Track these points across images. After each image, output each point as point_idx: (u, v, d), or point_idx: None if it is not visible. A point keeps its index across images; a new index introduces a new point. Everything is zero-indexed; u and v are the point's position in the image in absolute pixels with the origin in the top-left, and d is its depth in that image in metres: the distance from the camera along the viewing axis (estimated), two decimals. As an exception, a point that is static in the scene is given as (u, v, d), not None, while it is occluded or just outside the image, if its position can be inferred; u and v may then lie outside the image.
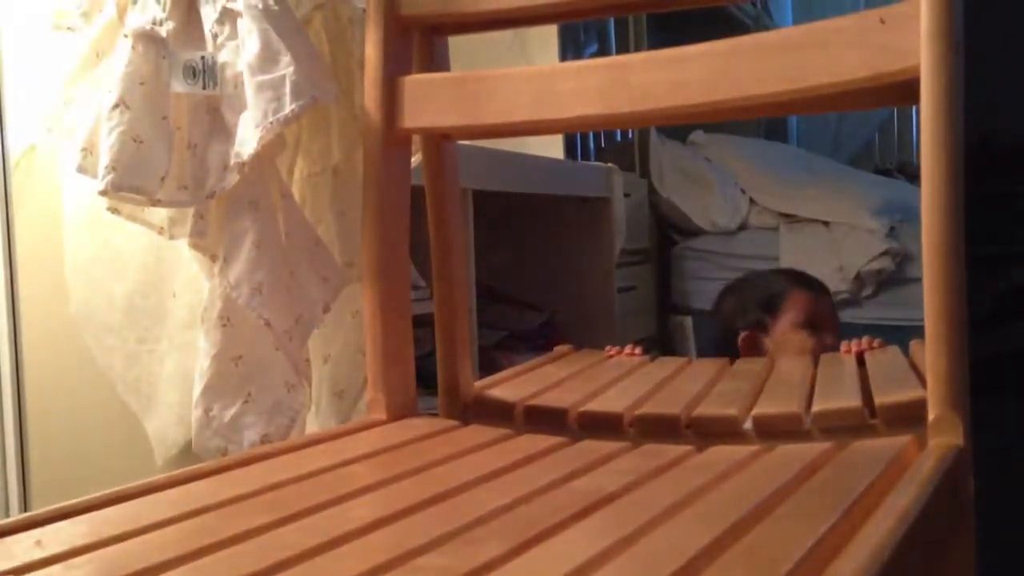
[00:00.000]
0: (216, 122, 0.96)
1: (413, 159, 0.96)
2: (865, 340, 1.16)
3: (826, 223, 2.76)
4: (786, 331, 1.46)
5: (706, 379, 1.03)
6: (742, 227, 2.91)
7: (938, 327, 0.67)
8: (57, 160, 1.08)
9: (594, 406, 0.93)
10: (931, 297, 0.67)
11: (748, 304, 1.52)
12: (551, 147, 2.30)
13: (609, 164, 2.32)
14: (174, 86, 0.94)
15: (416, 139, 0.96)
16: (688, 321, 2.83)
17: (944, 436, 0.66)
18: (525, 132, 0.91)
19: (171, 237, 1.01)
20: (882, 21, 0.70)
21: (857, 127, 4.29)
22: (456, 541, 0.55)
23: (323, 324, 1.07)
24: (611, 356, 1.24)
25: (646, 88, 0.79)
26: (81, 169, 0.94)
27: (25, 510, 1.11)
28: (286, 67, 0.92)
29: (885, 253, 2.58)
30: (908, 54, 0.69)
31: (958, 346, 0.67)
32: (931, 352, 0.67)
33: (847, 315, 2.53)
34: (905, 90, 0.70)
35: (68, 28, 0.99)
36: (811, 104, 0.84)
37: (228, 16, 0.96)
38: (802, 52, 0.74)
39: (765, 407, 0.89)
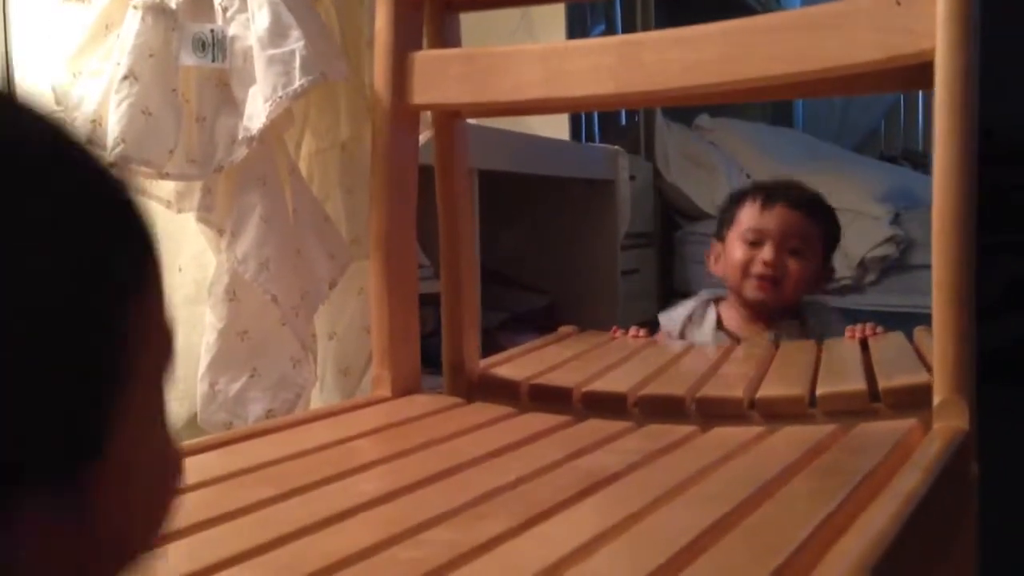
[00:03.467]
0: (225, 95, 0.96)
1: (421, 137, 0.96)
2: (869, 326, 1.16)
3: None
4: (732, 245, 1.40)
5: (710, 361, 1.03)
6: (747, 212, 2.89)
7: (945, 311, 0.67)
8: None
9: (599, 386, 0.93)
10: (939, 281, 0.67)
11: (725, 215, 1.47)
12: (557, 128, 2.28)
13: (615, 146, 2.31)
14: (183, 59, 0.93)
15: (424, 118, 0.95)
16: (691, 305, 2.82)
17: (949, 420, 0.66)
18: (536, 110, 0.91)
19: (178, 211, 1.01)
20: (898, 2, 0.69)
21: (863, 113, 4.26)
22: (462, 517, 0.55)
23: (329, 301, 1.07)
24: (615, 337, 1.24)
25: (659, 67, 0.79)
26: (89, 141, 0.94)
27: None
28: (296, 42, 0.91)
29: (889, 240, 2.57)
30: (923, 36, 0.69)
31: (965, 330, 0.67)
32: (938, 336, 0.67)
33: (850, 301, 2.52)
34: (919, 73, 0.70)
35: (77, -1, 0.99)
36: (823, 86, 0.83)
37: (238, -11, 0.95)
38: (816, 32, 0.73)
39: (769, 389, 0.89)
